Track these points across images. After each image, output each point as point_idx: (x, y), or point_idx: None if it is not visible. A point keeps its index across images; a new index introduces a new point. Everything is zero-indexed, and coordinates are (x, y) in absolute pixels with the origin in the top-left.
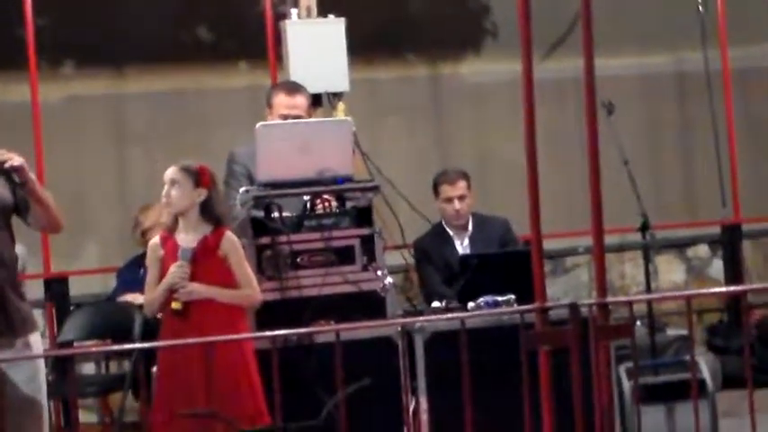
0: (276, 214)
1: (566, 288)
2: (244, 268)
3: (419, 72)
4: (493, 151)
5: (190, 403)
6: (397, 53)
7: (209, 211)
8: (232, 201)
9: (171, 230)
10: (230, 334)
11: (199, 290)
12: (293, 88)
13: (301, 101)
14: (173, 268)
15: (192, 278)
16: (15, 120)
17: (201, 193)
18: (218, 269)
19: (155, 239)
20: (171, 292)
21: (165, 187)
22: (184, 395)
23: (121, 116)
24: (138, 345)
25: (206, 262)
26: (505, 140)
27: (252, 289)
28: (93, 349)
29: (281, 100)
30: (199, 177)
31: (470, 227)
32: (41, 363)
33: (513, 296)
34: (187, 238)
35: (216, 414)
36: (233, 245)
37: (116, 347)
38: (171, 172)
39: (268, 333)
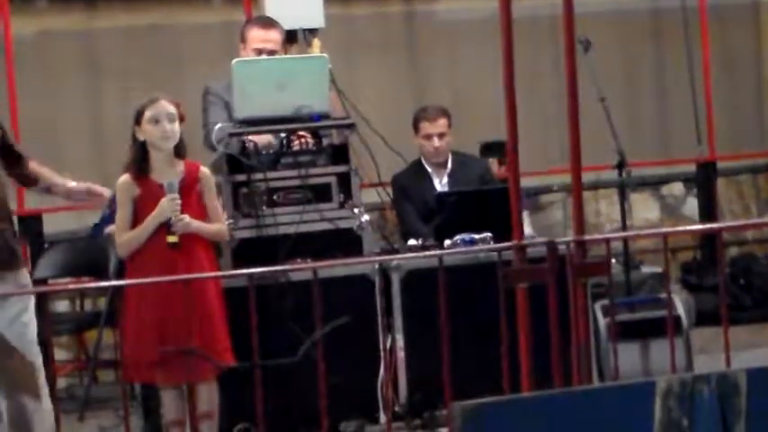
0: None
1: (540, 226)
2: (216, 204)
3: (394, 8)
4: (467, 88)
5: (169, 338)
6: None
7: (182, 147)
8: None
9: (141, 170)
10: (210, 270)
11: (192, 223)
12: (267, 22)
13: (275, 35)
14: (164, 202)
15: None
16: None
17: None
18: (196, 204)
19: (125, 178)
20: (161, 227)
21: (166, 123)
22: (165, 331)
23: (94, 51)
24: (115, 282)
25: (188, 197)
26: (480, 78)
27: (223, 225)
28: (71, 286)
29: (255, 34)
30: (180, 112)
31: (450, 165)
32: (32, 299)
33: (489, 234)
34: (163, 175)
35: (198, 351)
36: (210, 180)
37: (94, 285)
38: (169, 107)
39: (245, 270)
